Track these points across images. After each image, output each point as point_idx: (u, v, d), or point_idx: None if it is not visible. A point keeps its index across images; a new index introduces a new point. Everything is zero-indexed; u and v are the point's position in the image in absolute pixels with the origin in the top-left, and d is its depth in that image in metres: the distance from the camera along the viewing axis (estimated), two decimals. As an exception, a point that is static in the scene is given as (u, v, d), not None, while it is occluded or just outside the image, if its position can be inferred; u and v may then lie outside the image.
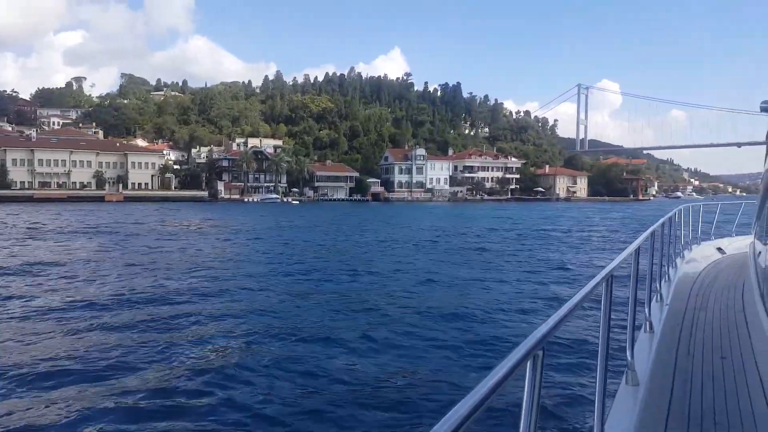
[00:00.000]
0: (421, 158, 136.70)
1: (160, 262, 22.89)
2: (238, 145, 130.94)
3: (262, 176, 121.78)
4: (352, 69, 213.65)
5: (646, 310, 5.26)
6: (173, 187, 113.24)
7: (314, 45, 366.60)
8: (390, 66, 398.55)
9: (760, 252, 5.64)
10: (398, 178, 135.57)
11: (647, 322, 5.17)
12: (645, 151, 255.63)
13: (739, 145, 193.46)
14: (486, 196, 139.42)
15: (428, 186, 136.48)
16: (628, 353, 3.88)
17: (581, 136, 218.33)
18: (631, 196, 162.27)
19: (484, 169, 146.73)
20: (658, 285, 6.58)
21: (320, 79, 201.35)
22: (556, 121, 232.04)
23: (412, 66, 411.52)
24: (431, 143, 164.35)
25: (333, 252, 28.65)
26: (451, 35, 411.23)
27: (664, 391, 4.09)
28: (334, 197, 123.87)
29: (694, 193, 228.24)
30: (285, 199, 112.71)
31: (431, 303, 15.36)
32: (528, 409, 1.68)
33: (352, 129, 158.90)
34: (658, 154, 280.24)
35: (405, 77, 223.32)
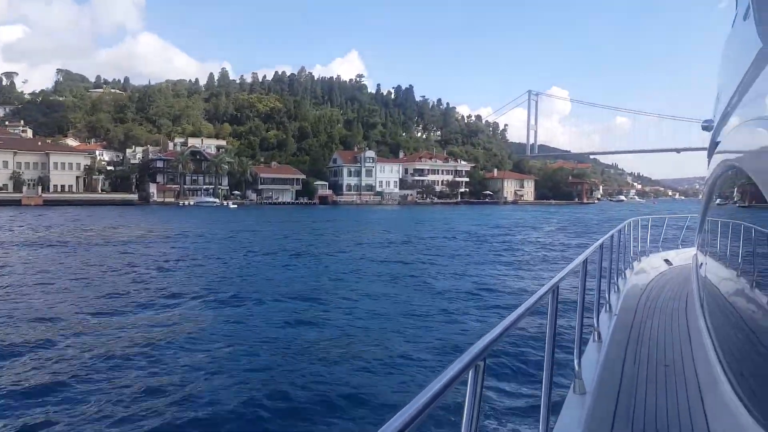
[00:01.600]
0: (371, 160, 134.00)
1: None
2: (176, 145, 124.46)
3: (201, 178, 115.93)
4: (302, 69, 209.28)
5: (595, 320, 5.35)
6: (100, 189, 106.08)
7: (270, 46, 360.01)
8: (347, 69, 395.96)
9: (701, 263, 5.89)
10: (347, 180, 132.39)
11: (596, 332, 5.26)
12: (591, 156, 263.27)
13: (678, 150, 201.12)
14: (436, 200, 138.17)
15: (378, 189, 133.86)
16: (576, 362, 3.95)
17: (531, 140, 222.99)
18: (577, 199, 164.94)
19: (434, 172, 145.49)
20: (607, 296, 6.67)
21: (270, 78, 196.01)
22: (506, 125, 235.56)
23: (369, 69, 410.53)
24: (383, 146, 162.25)
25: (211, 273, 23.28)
26: (408, 40, 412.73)
27: (610, 399, 4.28)
28: (280, 200, 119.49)
29: (636, 197, 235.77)
30: (225, 203, 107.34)
31: (377, 310, 15.07)
32: (469, 419, 1.69)
33: (302, 130, 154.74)
34: (603, 159, 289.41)
35: (358, 79, 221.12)
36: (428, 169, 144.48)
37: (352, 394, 9.03)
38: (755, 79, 3.16)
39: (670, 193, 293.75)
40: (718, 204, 5.09)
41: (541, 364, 3.03)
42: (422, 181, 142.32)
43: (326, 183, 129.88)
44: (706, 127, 6.19)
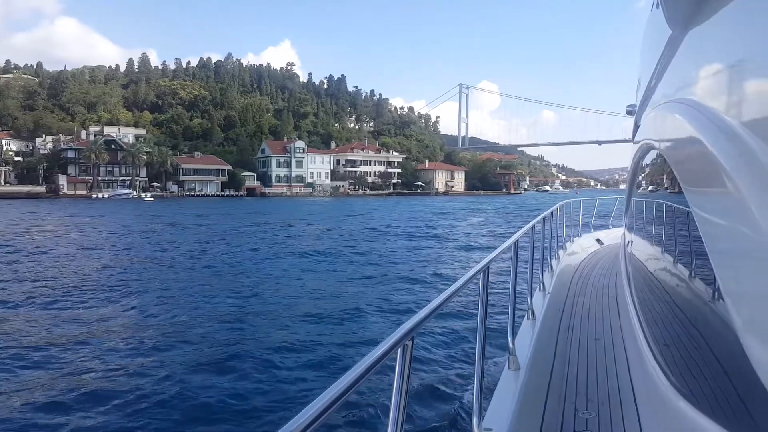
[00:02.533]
0: (301, 151, 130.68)
1: None
2: (91, 134, 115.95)
3: (116, 169, 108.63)
4: (229, 55, 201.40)
5: (529, 299, 5.45)
6: (4, 181, 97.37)
7: (200, 33, 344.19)
8: (280, 58, 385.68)
9: (629, 242, 6.07)
10: (276, 171, 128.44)
11: (530, 311, 5.36)
12: (519, 148, 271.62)
13: (599, 142, 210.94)
14: (368, 191, 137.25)
15: (309, 180, 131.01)
16: (510, 340, 4.09)
17: (463, 133, 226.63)
18: (504, 190, 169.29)
19: (366, 163, 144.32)
20: (540, 275, 6.82)
21: (195, 65, 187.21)
22: (438, 117, 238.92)
23: (302, 59, 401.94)
24: (315, 136, 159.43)
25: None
26: (343, 31, 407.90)
27: (543, 373, 4.50)
28: (204, 192, 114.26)
29: (560, 187, 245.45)
30: (143, 195, 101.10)
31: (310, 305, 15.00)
32: (397, 396, 1.73)
33: (228, 119, 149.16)
34: (530, 151, 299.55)
35: (289, 67, 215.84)
36: (360, 160, 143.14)
37: (284, 380, 9.27)
38: (668, 64, 3.37)
39: (592, 183, 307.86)
40: (640, 184, 5.18)
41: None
42: (354, 172, 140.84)
43: (254, 174, 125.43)
44: (629, 112, 6.31)
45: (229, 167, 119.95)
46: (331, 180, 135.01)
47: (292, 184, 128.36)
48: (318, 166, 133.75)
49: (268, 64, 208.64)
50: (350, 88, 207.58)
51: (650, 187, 4.33)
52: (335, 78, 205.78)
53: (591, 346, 5.41)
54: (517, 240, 4.36)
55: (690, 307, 2.48)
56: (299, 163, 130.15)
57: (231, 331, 12.47)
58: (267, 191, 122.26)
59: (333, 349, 10.94)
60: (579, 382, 4.45)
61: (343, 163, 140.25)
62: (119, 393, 8.58)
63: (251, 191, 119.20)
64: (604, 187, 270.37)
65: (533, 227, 5.64)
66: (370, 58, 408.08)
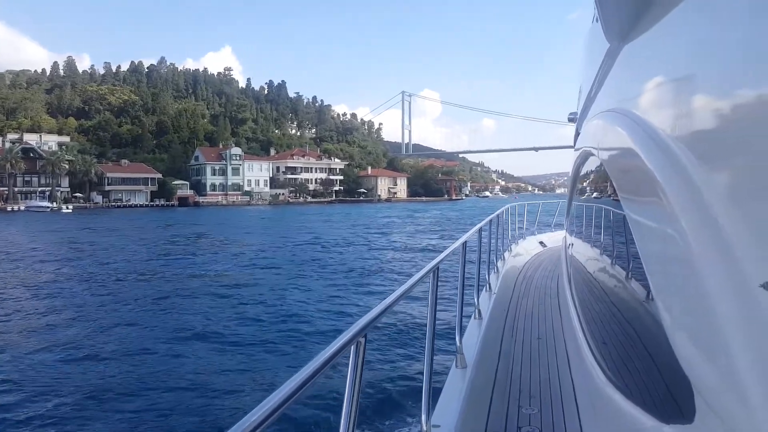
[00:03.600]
0: (238, 158, 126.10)
1: None
2: (8, 141, 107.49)
3: (36, 179, 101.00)
4: (163, 59, 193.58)
5: (476, 299, 5.60)
6: None
7: (137, 38, 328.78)
8: (220, 64, 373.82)
9: (570, 244, 6.25)
10: (211, 180, 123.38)
11: (477, 310, 5.51)
12: (461, 155, 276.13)
13: (536, 149, 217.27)
14: (310, 199, 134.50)
15: (246, 188, 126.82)
16: (458, 339, 4.20)
17: (406, 140, 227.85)
18: (446, 196, 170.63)
19: (307, 170, 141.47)
20: (487, 276, 7.11)
21: (126, 69, 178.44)
22: (381, 124, 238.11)
23: (244, 65, 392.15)
24: (254, 143, 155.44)
25: None
26: (287, 38, 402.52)
27: (489, 371, 4.67)
28: (132, 203, 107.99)
29: (500, 193, 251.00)
30: (63, 207, 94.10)
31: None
32: (350, 392, 1.76)
33: (161, 125, 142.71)
34: (472, 158, 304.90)
35: (227, 72, 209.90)
36: (301, 167, 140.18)
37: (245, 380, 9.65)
38: (606, 75, 3.55)
39: (530, 189, 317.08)
40: (579, 189, 5.32)
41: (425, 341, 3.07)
42: (295, 179, 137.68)
43: (187, 183, 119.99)
44: (571, 119, 6.45)
45: (159, 176, 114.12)
46: (271, 188, 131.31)
47: (229, 192, 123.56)
48: (256, 173, 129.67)
49: (205, 68, 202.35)
50: (291, 94, 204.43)
51: (588, 193, 4.46)
52: (275, 83, 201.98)
53: (534, 344, 5.63)
54: (465, 241, 4.49)
55: (624, 307, 2.58)
56: (236, 171, 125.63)
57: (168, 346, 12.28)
58: (201, 200, 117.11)
59: (283, 351, 11.51)
60: (522, 379, 4.67)
61: (283, 170, 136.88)
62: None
63: (183, 201, 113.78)
64: (541, 192, 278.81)
65: (480, 229, 5.79)
66: (313, 66, 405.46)
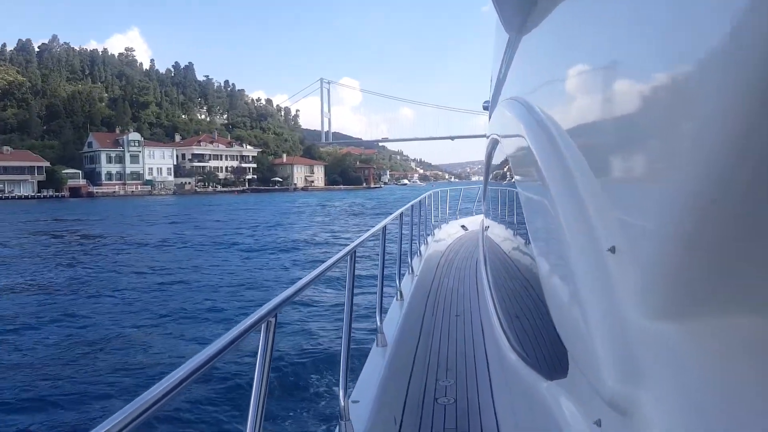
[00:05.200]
0: (136, 144, 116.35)
1: None
2: None
3: None
4: (55, 38, 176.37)
5: (397, 281, 5.77)
6: None
7: (34, 16, 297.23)
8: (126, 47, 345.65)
9: (486, 227, 6.46)
10: (107, 168, 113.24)
11: (398, 292, 5.66)
12: (381, 143, 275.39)
13: (452, 138, 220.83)
14: (220, 188, 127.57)
15: (148, 177, 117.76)
16: (378, 319, 4.30)
17: (326, 128, 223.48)
18: (365, 184, 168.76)
19: (217, 157, 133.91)
20: (409, 260, 7.15)
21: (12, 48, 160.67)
22: (298, 111, 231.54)
23: (155, 50, 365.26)
24: (158, 128, 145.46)
25: None
26: (199, 22, 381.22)
27: (410, 348, 4.89)
28: (15, 194, 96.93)
29: (417, 181, 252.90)
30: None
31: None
32: (260, 370, 1.79)
33: (51, 109, 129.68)
34: (391, 146, 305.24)
35: (128, 52, 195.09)
36: (210, 155, 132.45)
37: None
38: (508, 65, 3.76)
39: (447, 177, 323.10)
40: (490, 174, 5.61)
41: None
42: (203, 167, 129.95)
43: (79, 172, 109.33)
44: (485, 108, 6.63)
45: (47, 164, 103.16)
46: (176, 176, 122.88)
47: (127, 182, 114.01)
48: (158, 161, 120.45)
49: (105, 49, 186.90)
50: (200, 77, 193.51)
51: (497, 177, 4.69)
52: (182, 66, 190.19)
53: (453, 321, 6.04)
54: (385, 226, 4.61)
55: (522, 282, 2.74)
56: (135, 158, 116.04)
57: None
58: (95, 191, 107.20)
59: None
60: (441, 354, 5.01)
61: (190, 157, 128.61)
62: None
63: (75, 191, 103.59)
64: (457, 180, 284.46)
65: (401, 214, 5.97)
66: (229, 51, 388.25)
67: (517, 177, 2.93)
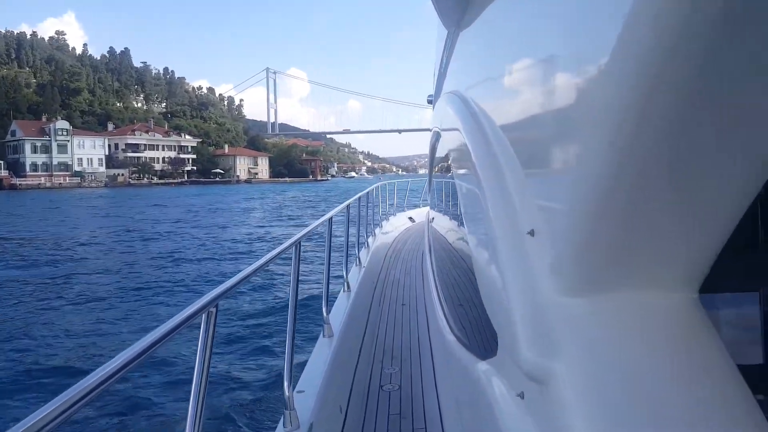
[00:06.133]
0: (64, 133, 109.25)
1: None
2: None
3: None
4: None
5: (344, 272, 5.82)
6: None
7: None
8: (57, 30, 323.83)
9: (432, 218, 6.53)
10: (32, 158, 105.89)
11: (345, 283, 5.71)
12: (329, 135, 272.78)
13: (399, 131, 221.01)
14: (156, 180, 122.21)
15: (77, 168, 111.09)
16: (324, 310, 4.33)
17: (272, 119, 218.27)
18: (311, 176, 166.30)
19: (153, 147, 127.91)
20: (357, 251, 7.21)
21: None
22: (242, 100, 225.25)
23: (92, 36, 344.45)
24: (90, 116, 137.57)
25: None
26: (139, 5, 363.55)
27: (356, 338, 4.93)
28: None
29: (365, 174, 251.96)
30: None
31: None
32: (201, 360, 1.79)
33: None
34: (339, 139, 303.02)
35: (59, 36, 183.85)
36: (145, 144, 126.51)
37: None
38: (448, 59, 3.88)
39: (394, 169, 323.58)
40: (434, 166, 5.74)
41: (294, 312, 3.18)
42: (138, 158, 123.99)
43: (1, 162, 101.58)
44: (429, 102, 6.74)
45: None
46: (108, 167, 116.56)
47: (54, 173, 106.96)
48: (89, 151, 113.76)
49: (34, 32, 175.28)
50: (138, 64, 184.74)
51: (440, 170, 4.80)
52: (118, 51, 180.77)
53: (399, 311, 6.23)
54: (331, 217, 4.62)
55: (462, 271, 2.81)
56: (63, 148, 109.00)
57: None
58: (19, 183, 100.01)
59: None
60: (387, 343, 5.17)
61: (123, 147, 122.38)
62: None
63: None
64: (404, 173, 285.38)
65: (348, 206, 5.95)
66: (171, 38, 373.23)
67: (455, 169, 3.08)
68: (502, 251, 1.65)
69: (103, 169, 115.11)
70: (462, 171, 2.64)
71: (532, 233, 1.52)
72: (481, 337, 2.12)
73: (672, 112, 0.97)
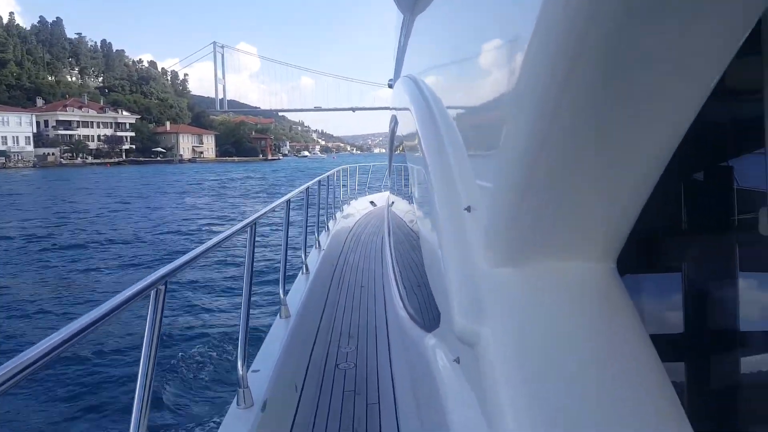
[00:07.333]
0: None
1: None
2: None
3: None
4: None
5: (303, 256, 5.86)
6: None
7: None
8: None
9: (392, 202, 6.69)
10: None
11: (304, 266, 5.74)
12: (281, 113, 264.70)
13: (353, 109, 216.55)
14: (91, 159, 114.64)
15: (1, 147, 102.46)
16: (281, 291, 4.39)
17: (220, 95, 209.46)
18: (261, 156, 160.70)
19: (87, 125, 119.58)
20: (317, 235, 7.24)
21: None
22: (186, 75, 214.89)
23: (21, 3, 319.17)
24: (17, 90, 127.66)
25: None
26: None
27: (314, 319, 5.06)
28: None
29: (318, 153, 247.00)
30: None
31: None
32: (149, 339, 1.79)
33: None
34: (292, 117, 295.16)
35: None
36: (78, 121, 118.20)
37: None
38: (405, 43, 4.01)
39: (349, 148, 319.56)
40: (393, 149, 5.88)
41: (251, 295, 3.18)
42: (70, 136, 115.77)
43: None
44: (391, 85, 7.16)
45: None
46: (36, 147, 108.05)
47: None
48: (14, 128, 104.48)
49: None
50: (72, 35, 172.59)
51: (397, 152, 4.89)
52: (50, 22, 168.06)
53: (357, 293, 6.37)
54: (289, 200, 4.62)
55: (415, 250, 2.92)
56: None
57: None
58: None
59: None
60: (344, 323, 5.30)
61: (54, 124, 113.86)
62: None
63: None
64: (359, 152, 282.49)
65: (308, 189, 5.97)
66: (112, 9, 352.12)
67: (408, 152, 3.21)
68: (443, 227, 1.75)
69: (31, 148, 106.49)
70: (415, 153, 2.67)
71: (468, 209, 1.62)
72: (429, 312, 2.21)
73: (582, 101, 1.03)
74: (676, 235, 1.80)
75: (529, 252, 1.39)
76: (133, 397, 1.71)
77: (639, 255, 1.58)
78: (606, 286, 1.35)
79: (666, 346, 1.54)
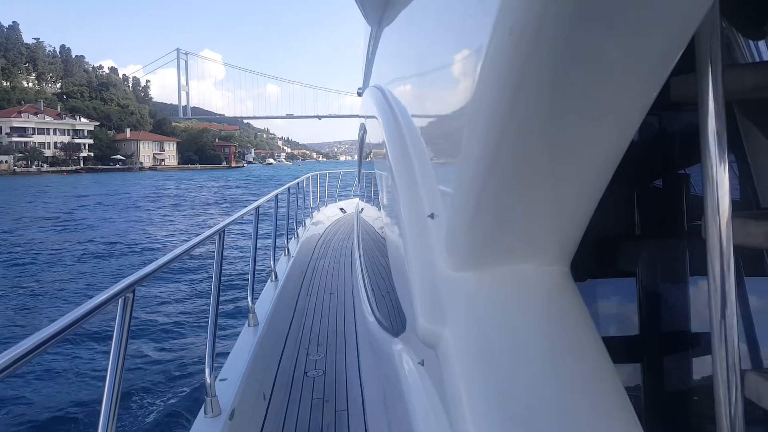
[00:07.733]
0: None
1: None
2: None
3: None
4: None
5: (272, 262, 5.88)
6: None
7: None
8: None
9: (361, 209, 6.78)
10: None
11: (273, 273, 5.76)
12: (246, 120, 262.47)
13: (319, 117, 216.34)
14: (46, 167, 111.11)
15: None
16: (249, 299, 4.40)
17: (184, 102, 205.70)
18: (225, 163, 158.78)
19: (42, 131, 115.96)
20: (286, 242, 7.54)
21: None
22: (148, 81, 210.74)
23: None
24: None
25: None
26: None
27: (282, 327, 5.06)
28: None
29: (284, 160, 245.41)
30: None
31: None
32: (117, 347, 1.80)
33: None
34: (257, 124, 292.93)
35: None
36: (34, 128, 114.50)
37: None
38: (373, 54, 4.11)
39: (314, 156, 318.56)
40: (362, 156, 5.93)
41: (221, 303, 3.17)
42: (25, 143, 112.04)
43: None
44: (360, 94, 7.49)
45: None
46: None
47: None
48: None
49: None
50: (29, 40, 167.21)
51: (366, 159, 4.95)
52: (5, 26, 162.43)
53: (327, 300, 6.33)
54: (258, 207, 4.65)
55: (383, 257, 2.96)
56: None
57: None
58: None
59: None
60: (313, 330, 5.25)
61: (8, 131, 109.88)
62: None
63: None
64: (325, 159, 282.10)
65: (277, 196, 6.04)
66: (72, 15, 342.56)
67: (375, 160, 3.28)
68: (408, 233, 1.79)
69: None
70: (382, 161, 2.74)
71: (432, 216, 1.66)
72: (396, 316, 2.24)
73: (532, 113, 1.07)
74: (632, 241, 1.85)
75: (488, 256, 1.42)
76: (100, 407, 1.69)
77: (597, 260, 1.64)
78: (560, 288, 1.39)
79: (624, 348, 1.63)
